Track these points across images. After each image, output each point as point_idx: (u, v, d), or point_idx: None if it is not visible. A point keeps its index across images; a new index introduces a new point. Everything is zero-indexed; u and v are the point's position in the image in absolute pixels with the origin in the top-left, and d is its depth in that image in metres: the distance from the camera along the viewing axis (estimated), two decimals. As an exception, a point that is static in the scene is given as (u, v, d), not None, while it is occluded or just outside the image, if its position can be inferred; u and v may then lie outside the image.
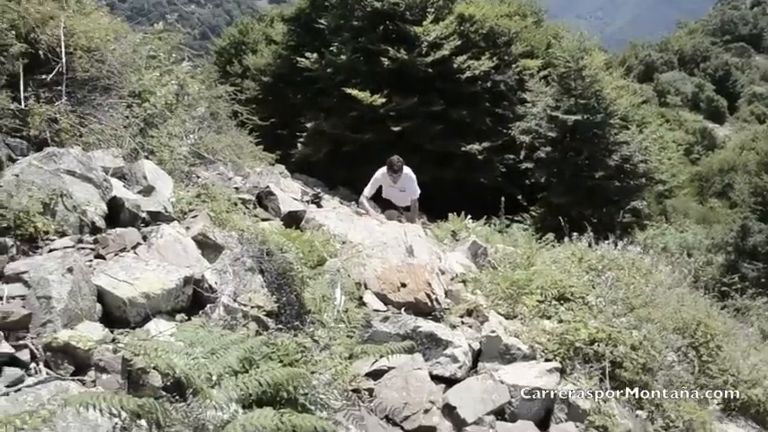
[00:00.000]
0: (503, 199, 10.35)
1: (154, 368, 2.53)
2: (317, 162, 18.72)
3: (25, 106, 4.30)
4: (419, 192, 7.46)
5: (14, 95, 4.26)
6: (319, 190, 10.63)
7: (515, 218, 15.68)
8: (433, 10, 17.77)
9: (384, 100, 16.79)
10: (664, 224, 21.70)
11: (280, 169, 11.17)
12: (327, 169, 18.10)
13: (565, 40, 19.69)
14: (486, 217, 11.13)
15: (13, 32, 4.42)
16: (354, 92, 16.77)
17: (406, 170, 7.20)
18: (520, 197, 17.01)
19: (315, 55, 18.58)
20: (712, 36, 74.90)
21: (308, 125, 19.08)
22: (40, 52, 4.67)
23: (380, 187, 7.40)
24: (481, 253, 6.20)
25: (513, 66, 19.49)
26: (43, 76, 4.71)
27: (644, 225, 18.82)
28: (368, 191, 7.22)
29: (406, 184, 7.29)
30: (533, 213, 16.92)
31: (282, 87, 21.80)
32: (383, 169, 7.17)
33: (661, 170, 18.62)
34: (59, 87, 4.68)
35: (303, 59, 18.72)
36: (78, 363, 2.59)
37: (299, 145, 19.63)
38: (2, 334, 2.51)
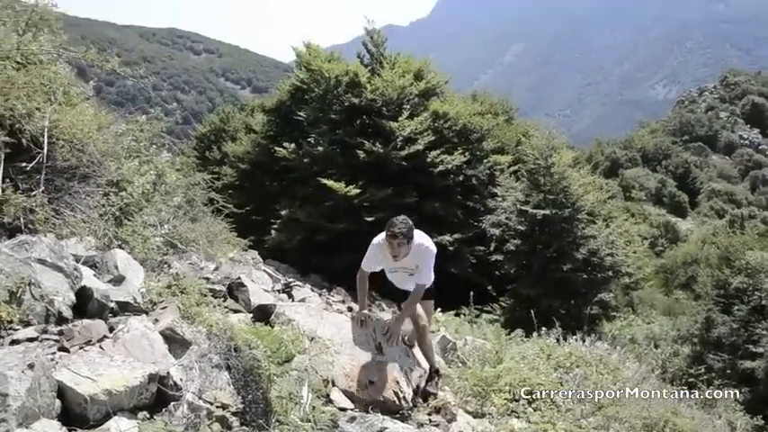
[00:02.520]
0: (471, 293, 10.46)
1: (111, 472, 2.46)
2: (290, 249, 18.75)
3: (2, 194, 4.34)
4: (432, 278, 4.84)
5: (-8, 184, 4.31)
6: (291, 278, 10.61)
7: (485, 308, 15.78)
8: (408, 107, 18.59)
9: (359, 191, 17.15)
10: (631, 315, 22.00)
11: (253, 255, 11.19)
12: (301, 256, 18.13)
13: (534, 138, 20.58)
14: (456, 307, 11.23)
15: (-1, 125, 4.53)
16: (330, 182, 17.13)
17: (420, 239, 4.65)
18: (489, 288, 17.16)
19: (293, 145, 19.07)
20: (672, 136, 79.63)
21: (283, 212, 19.25)
22: (23, 140, 4.76)
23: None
24: (450, 348, 6.20)
25: (485, 161, 20.28)
26: (23, 164, 4.77)
27: (611, 316, 19.03)
28: (366, 264, 4.88)
29: (420, 261, 4.64)
30: (503, 304, 17.04)
31: (259, 175, 22.16)
32: (381, 236, 4.68)
33: (627, 263, 19.04)
34: (39, 176, 4.75)
35: (281, 149, 19.18)
36: (32, 465, 2.51)
37: (273, 231, 19.70)
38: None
